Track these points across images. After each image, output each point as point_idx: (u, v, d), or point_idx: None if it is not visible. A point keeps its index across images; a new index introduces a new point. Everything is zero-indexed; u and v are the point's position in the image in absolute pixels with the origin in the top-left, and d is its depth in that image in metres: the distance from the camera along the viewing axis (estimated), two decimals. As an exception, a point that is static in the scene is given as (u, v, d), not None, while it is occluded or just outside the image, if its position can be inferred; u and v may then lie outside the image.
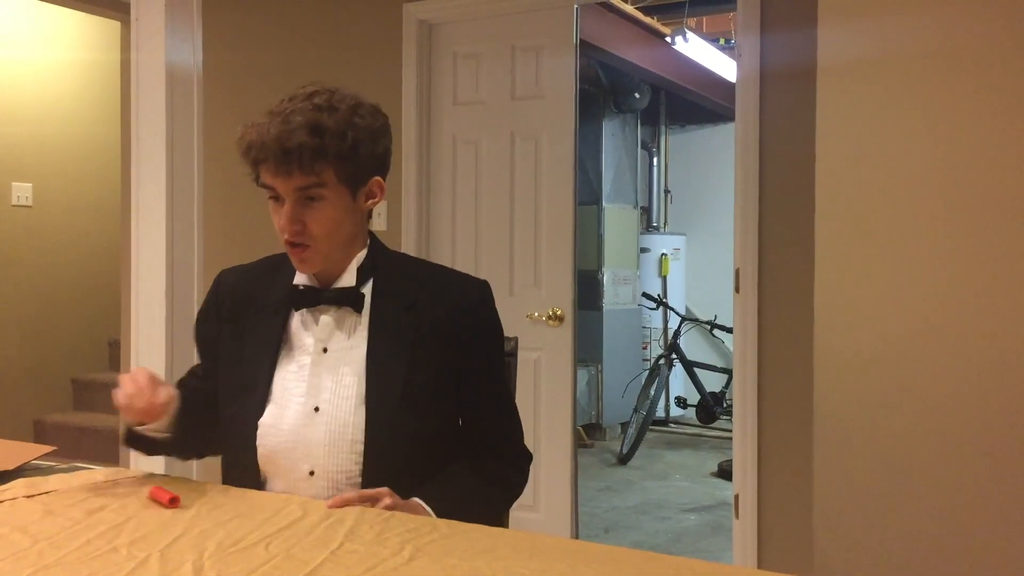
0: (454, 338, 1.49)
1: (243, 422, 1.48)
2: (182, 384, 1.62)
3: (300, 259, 1.45)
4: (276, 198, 1.42)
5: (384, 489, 1.37)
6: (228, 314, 1.57)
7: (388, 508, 1.32)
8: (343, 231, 1.46)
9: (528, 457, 1.62)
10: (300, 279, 1.51)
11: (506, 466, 1.58)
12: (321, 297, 1.49)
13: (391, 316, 1.49)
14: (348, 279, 1.50)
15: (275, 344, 1.50)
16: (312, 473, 1.44)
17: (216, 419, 1.56)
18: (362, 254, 1.51)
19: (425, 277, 1.57)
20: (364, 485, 1.42)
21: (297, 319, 1.51)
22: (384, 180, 1.50)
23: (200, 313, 1.63)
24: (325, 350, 1.48)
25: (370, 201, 1.49)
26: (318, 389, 1.47)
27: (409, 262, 1.65)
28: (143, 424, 1.46)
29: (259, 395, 1.48)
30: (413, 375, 1.46)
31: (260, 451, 1.47)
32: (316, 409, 1.46)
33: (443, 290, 1.54)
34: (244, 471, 1.49)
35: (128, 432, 1.49)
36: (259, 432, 1.47)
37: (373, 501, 1.34)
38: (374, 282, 1.51)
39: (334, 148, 1.37)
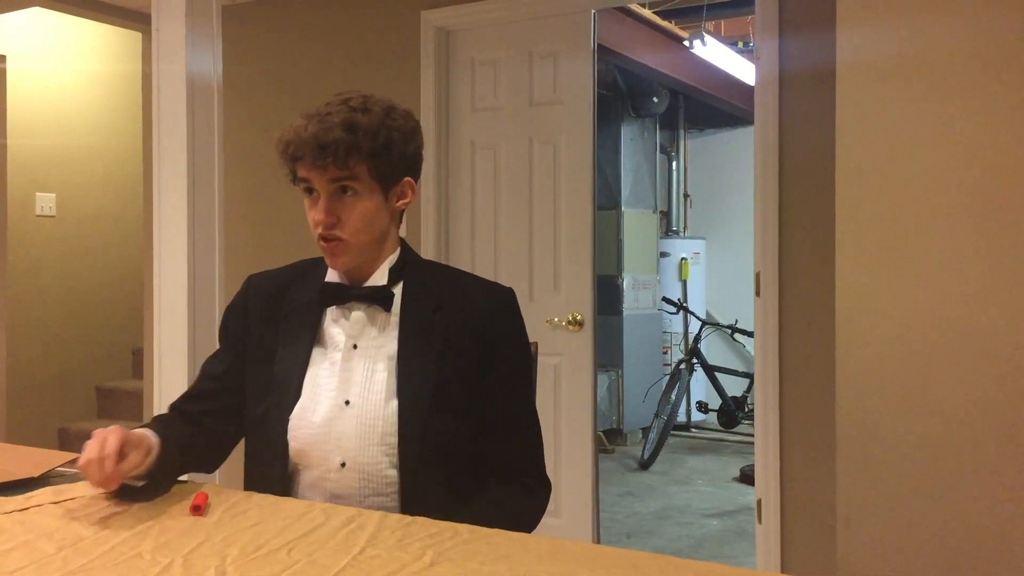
0: (480, 340, 1.51)
1: (275, 417, 1.50)
2: (175, 408, 1.60)
3: (333, 253, 1.48)
4: (311, 191, 1.46)
5: None
6: (257, 315, 1.59)
7: None
8: (375, 228, 1.49)
9: (545, 483, 1.58)
10: (332, 277, 1.54)
11: (512, 491, 1.52)
12: (352, 294, 1.52)
13: (420, 316, 1.52)
14: (379, 278, 1.52)
15: (308, 342, 1.53)
16: (343, 465, 1.47)
17: (219, 431, 1.58)
18: (394, 256, 1.54)
19: (453, 282, 1.60)
20: (400, 480, 1.46)
21: (328, 317, 1.54)
22: (416, 182, 1.54)
23: (228, 309, 1.65)
24: (355, 346, 1.51)
25: (401, 202, 1.53)
26: (348, 383, 1.49)
27: (439, 268, 1.68)
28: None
29: (292, 390, 1.51)
30: (443, 373, 1.48)
31: (292, 444, 1.49)
32: (347, 403, 1.48)
33: (470, 294, 1.57)
34: (272, 465, 1.49)
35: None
36: (290, 425, 1.49)
37: None
38: (404, 284, 1.54)
39: (367, 145, 1.41)
